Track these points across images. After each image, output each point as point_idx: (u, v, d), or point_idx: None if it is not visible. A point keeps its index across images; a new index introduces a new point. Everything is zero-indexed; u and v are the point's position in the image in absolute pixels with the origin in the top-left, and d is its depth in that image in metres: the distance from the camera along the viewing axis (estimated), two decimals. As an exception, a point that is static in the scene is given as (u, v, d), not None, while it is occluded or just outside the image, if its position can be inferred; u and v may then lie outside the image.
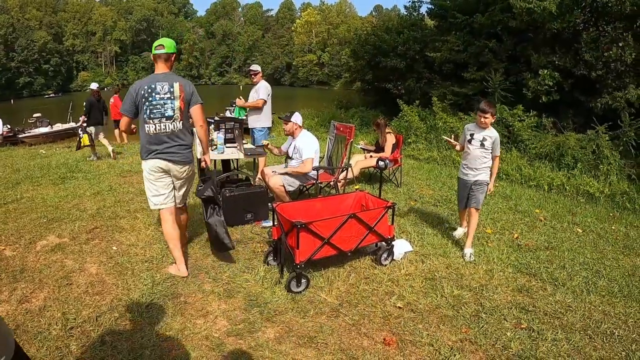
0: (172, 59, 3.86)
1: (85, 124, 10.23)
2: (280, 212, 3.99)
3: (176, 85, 3.75)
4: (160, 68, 3.80)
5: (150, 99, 3.69)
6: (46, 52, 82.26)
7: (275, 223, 4.10)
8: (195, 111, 3.88)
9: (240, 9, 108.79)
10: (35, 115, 24.78)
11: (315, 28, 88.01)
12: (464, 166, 4.85)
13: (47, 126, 20.98)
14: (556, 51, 10.80)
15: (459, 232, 5.21)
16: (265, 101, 6.88)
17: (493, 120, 4.61)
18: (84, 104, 10.38)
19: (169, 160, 3.82)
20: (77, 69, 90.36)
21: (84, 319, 3.29)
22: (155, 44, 3.81)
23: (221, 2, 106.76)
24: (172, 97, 3.74)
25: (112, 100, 13.62)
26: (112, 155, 9.95)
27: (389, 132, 7.35)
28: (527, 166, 9.01)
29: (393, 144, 7.27)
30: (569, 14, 10.10)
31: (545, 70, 10.48)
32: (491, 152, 4.66)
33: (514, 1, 10.57)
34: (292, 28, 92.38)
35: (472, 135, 4.69)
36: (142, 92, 3.69)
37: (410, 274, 4.16)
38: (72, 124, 20.06)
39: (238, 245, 4.69)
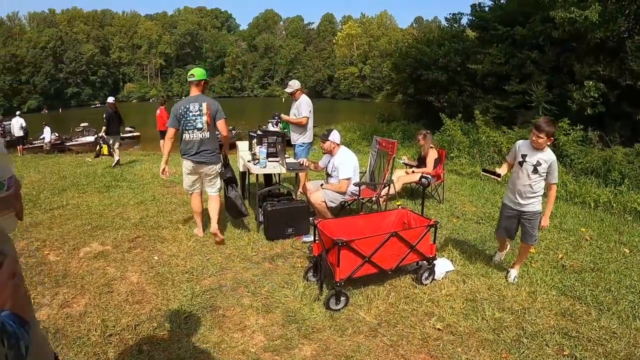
0: (202, 83, 4.98)
1: (105, 134, 10.80)
2: (321, 229, 3.96)
3: (204, 105, 4.88)
4: (193, 91, 4.95)
5: (186, 116, 4.87)
6: (93, 64, 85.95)
7: (316, 239, 4.07)
8: (220, 124, 4.99)
9: (281, 23, 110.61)
10: (82, 124, 25.72)
11: (356, 41, 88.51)
12: (512, 192, 4.24)
13: (93, 135, 21.70)
14: (600, 61, 10.49)
15: (497, 258, 4.80)
16: (308, 118, 6.89)
17: (549, 143, 3.96)
18: (104, 116, 10.90)
19: (197, 162, 4.97)
20: (123, 80, 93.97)
21: (122, 327, 3.35)
22: (189, 73, 5.00)
23: (263, 15, 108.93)
24: (201, 114, 4.88)
25: (158, 111, 13.95)
26: (114, 163, 10.48)
27: (432, 147, 7.24)
28: (573, 182, 8.69)
29: (435, 159, 7.14)
30: (612, 22, 9.81)
31: (590, 82, 10.17)
32: (545, 179, 4.05)
33: (554, 12, 10.34)
34: (334, 41, 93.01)
35: (524, 157, 4.05)
36: (181, 111, 4.87)
37: (451, 294, 4.04)
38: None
39: (277, 260, 4.70)
